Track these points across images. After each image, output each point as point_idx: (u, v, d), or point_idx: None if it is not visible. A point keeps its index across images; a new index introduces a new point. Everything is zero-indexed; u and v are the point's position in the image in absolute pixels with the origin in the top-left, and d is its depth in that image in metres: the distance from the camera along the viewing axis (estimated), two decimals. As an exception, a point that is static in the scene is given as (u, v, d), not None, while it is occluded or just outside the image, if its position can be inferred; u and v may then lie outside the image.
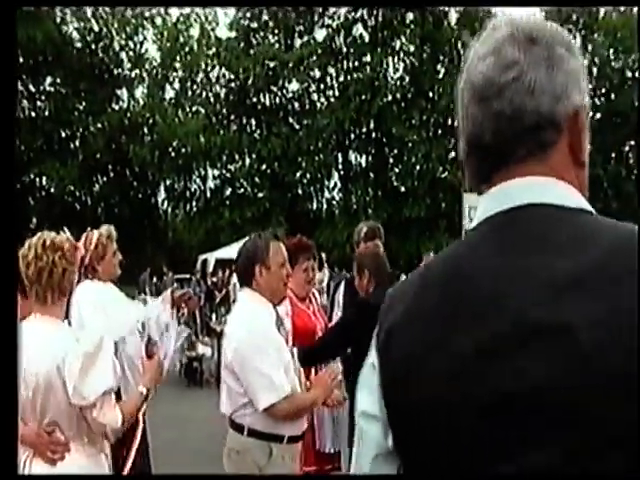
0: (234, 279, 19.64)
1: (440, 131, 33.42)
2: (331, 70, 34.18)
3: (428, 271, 1.20)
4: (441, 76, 33.87)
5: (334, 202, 34.53)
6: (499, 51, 1.15)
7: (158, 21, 35.76)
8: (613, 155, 35.45)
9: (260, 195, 32.95)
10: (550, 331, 1.00)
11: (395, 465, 1.19)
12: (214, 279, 23.82)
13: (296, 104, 34.36)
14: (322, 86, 34.35)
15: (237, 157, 33.65)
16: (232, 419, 3.72)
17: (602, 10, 35.87)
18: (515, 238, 1.09)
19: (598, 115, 35.77)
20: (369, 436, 1.21)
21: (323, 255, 18.77)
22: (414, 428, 1.12)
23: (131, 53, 35.02)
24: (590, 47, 36.45)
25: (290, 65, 33.02)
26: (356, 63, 33.89)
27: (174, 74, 35.84)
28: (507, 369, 1.02)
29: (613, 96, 35.39)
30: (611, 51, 36.07)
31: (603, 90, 35.98)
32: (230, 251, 23.19)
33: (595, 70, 36.18)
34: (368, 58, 33.74)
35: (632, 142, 35.49)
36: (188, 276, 23.46)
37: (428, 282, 1.17)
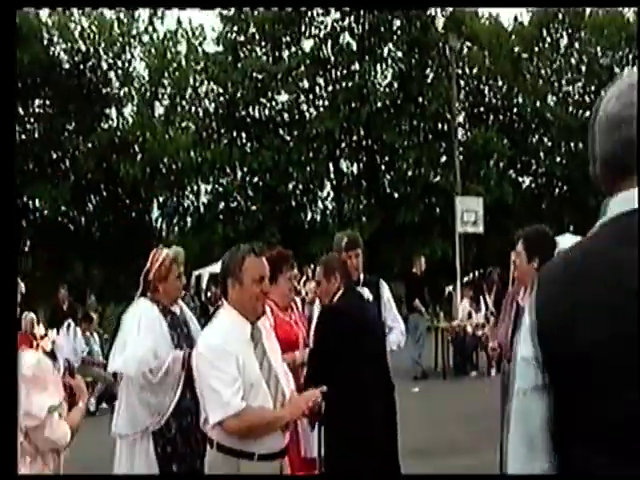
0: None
1: (431, 136, 33.39)
2: (319, 80, 34.12)
3: (570, 257, 1.65)
4: (430, 81, 33.85)
5: (327, 212, 34.47)
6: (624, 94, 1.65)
7: (145, 38, 35.80)
8: (605, 152, 35.38)
9: (253, 208, 32.90)
10: None
11: (544, 398, 1.60)
12: (208, 294, 23.84)
13: (286, 115, 34.28)
14: (311, 96, 34.28)
15: (229, 171, 33.58)
16: (206, 432, 3.75)
17: (588, 9, 35.87)
18: (631, 233, 1.51)
19: (588, 113, 35.77)
20: (528, 374, 1.63)
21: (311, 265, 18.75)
22: (566, 369, 1.54)
23: (119, 72, 35.01)
24: (577, 45, 36.51)
25: (278, 76, 33.02)
26: (344, 72, 33.83)
27: (163, 91, 35.88)
28: None
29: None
30: (598, 48, 36.07)
31: (592, 87, 35.98)
32: (224, 266, 23.19)
33: (584, 68, 36.23)
34: (356, 66, 33.74)
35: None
36: (183, 292, 23.32)
37: (572, 266, 1.61)
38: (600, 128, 1.70)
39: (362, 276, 6.29)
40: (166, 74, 35.40)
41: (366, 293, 6.00)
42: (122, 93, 35.20)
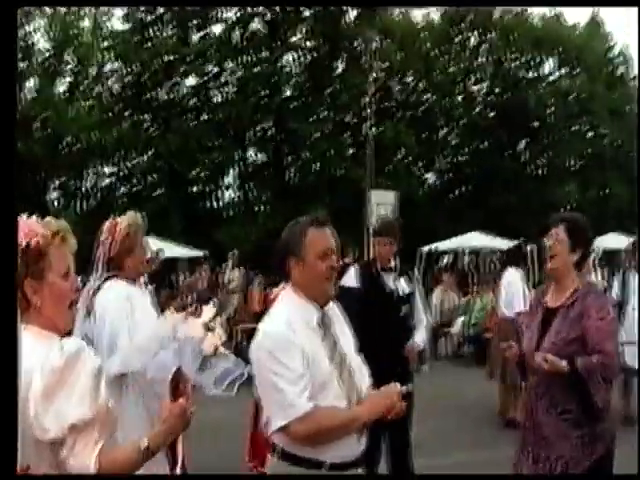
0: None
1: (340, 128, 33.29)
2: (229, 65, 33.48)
3: None
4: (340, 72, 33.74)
5: (234, 200, 33.93)
6: None
7: (48, 11, 34.34)
8: (508, 152, 36.16)
9: (157, 193, 32.09)
10: None
11: None
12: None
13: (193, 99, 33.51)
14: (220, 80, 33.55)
15: (133, 154, 32.60)
16: (270, 437, 3.26)
17: (497, 11, 36.39)
18: None
19: (492, 113, 36.49)
20: None
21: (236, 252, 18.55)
22: None
23: (20, 44, 33.45)
24: (485, 46, 37.08)
25: (187, 59, 32.27)
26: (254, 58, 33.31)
27: (66, 67, 34.50)
28: None
29: (508, 95, 36.08)
30: (506, 51, 36.69)
31: (498, 89, 36.68)
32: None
33: (490, 69, 36.84)
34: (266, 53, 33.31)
35: (527, 139, 36.35)
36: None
37: None
38: None
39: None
40: (70, 50, 34.01)
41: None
42: (23, 66, 33.69)
